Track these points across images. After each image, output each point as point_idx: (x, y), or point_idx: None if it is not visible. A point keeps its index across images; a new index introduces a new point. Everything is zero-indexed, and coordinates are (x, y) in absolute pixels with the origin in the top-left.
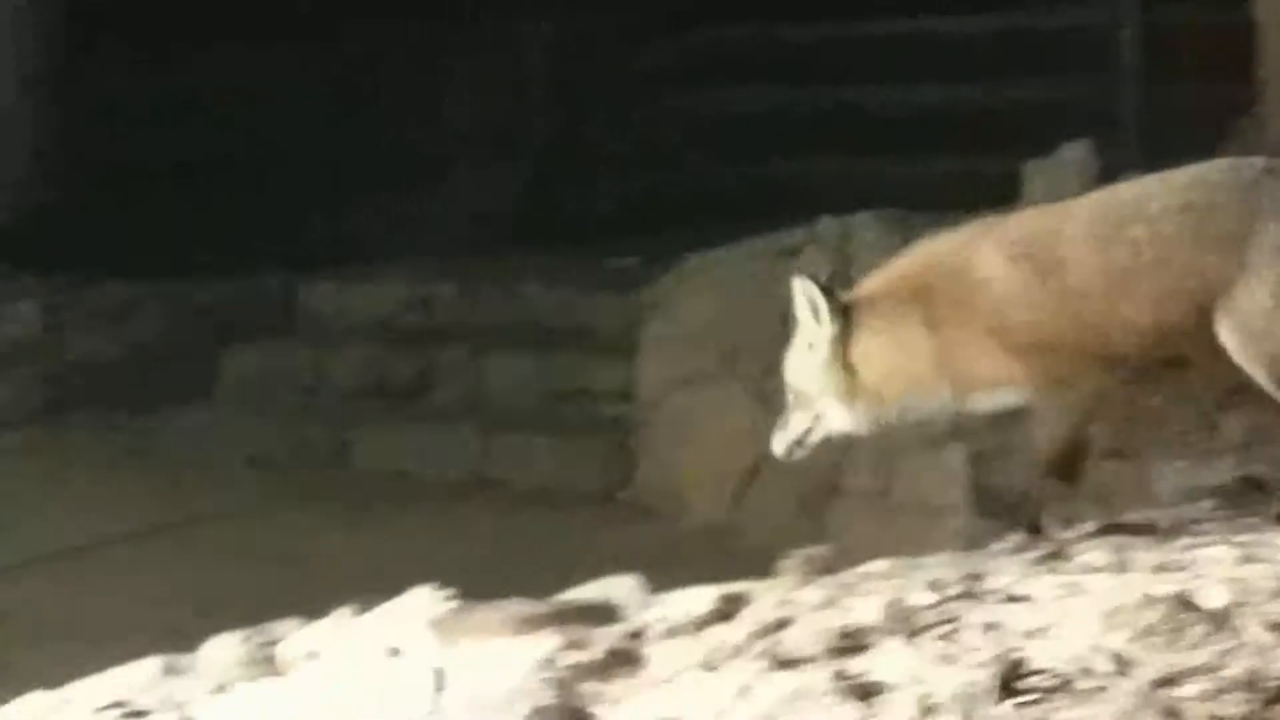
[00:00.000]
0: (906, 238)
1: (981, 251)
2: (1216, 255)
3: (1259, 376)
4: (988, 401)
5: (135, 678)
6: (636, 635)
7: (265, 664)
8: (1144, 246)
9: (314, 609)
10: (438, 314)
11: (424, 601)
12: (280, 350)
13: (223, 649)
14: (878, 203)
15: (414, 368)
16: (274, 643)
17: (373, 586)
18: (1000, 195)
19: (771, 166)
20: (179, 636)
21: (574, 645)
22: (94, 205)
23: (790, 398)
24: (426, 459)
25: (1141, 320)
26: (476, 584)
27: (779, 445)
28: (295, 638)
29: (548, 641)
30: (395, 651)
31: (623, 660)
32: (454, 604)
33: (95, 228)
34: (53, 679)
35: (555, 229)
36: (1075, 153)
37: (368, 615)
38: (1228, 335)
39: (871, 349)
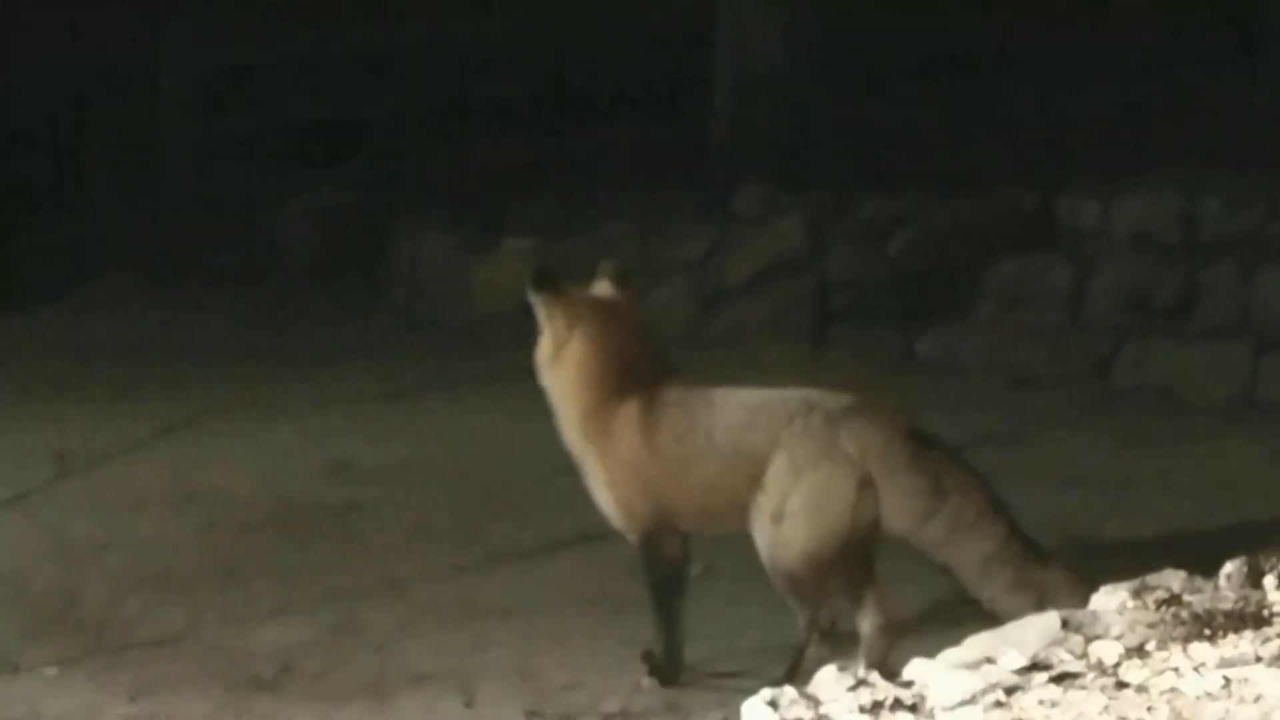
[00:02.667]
0: None
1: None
2: (752, 468)
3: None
4: None
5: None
6: None
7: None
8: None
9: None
10: (1203, 228)
11: None
12: (1041, 265)
13: (1113, 599)
14: None
15: (1178, 284)
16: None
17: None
18: None
19: None
20: None
21: None
22: (851, 120)
23: None
24: (1192, 378)
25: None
26: (1267, 506)
27: None
28: None
29: None
30: None
31: None
32: None
33: (854, 143)
34: None
35: None
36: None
37: None
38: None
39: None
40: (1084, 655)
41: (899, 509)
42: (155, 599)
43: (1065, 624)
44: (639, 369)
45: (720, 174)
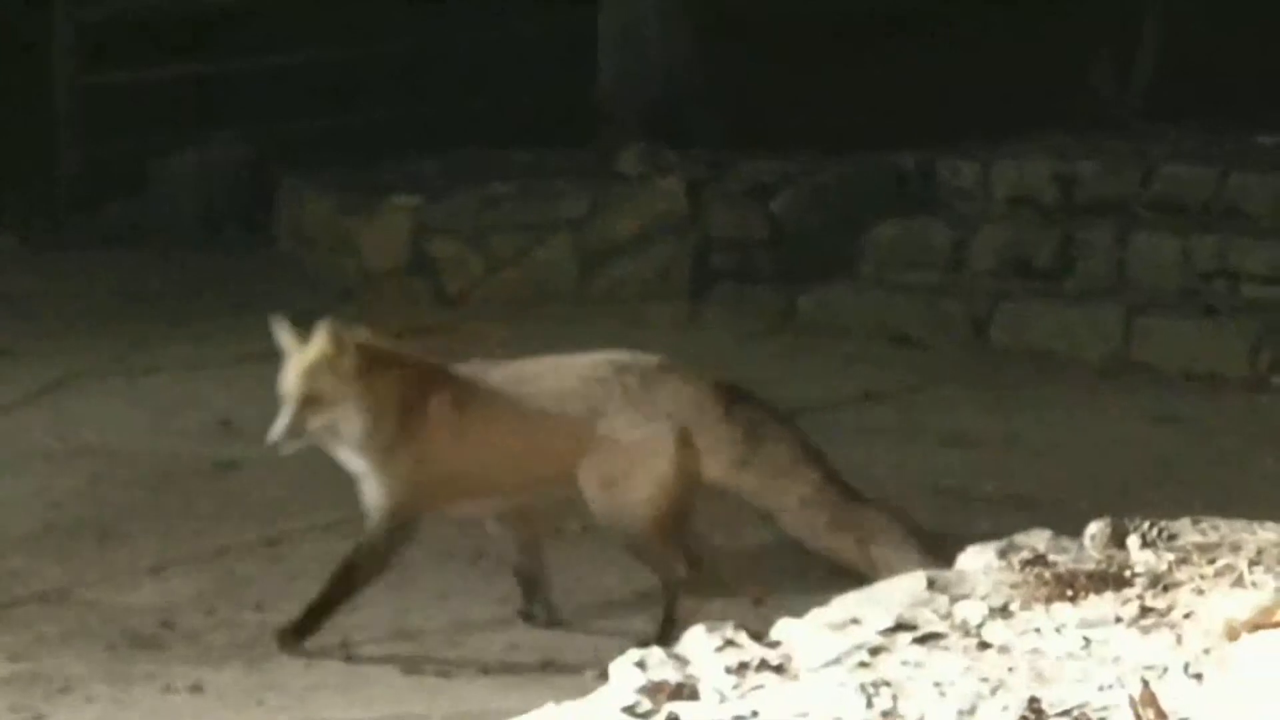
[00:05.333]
0: None
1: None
2: (573, 434)
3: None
4: None
5: (898, 594)
6: None
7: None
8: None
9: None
10: (1079, 191)
11: None
12: (920, 226)
13: (980, 559)
14: None
15: (1055, 245)
16: (1035, 560)
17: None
18: None
19: None
20: None
21: None
22: (735, 81)
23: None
24: (1068, 338)
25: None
26: (1139, 466)
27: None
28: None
29: None
30: None
31: None
32: None
33: (737, 105)
34: None
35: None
36: None
37: None
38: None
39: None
40: (948, 615)
41: (716, 459)
42: (36, 557)
43: (931, 584)
44: (425, 384)
45: (603, 135)
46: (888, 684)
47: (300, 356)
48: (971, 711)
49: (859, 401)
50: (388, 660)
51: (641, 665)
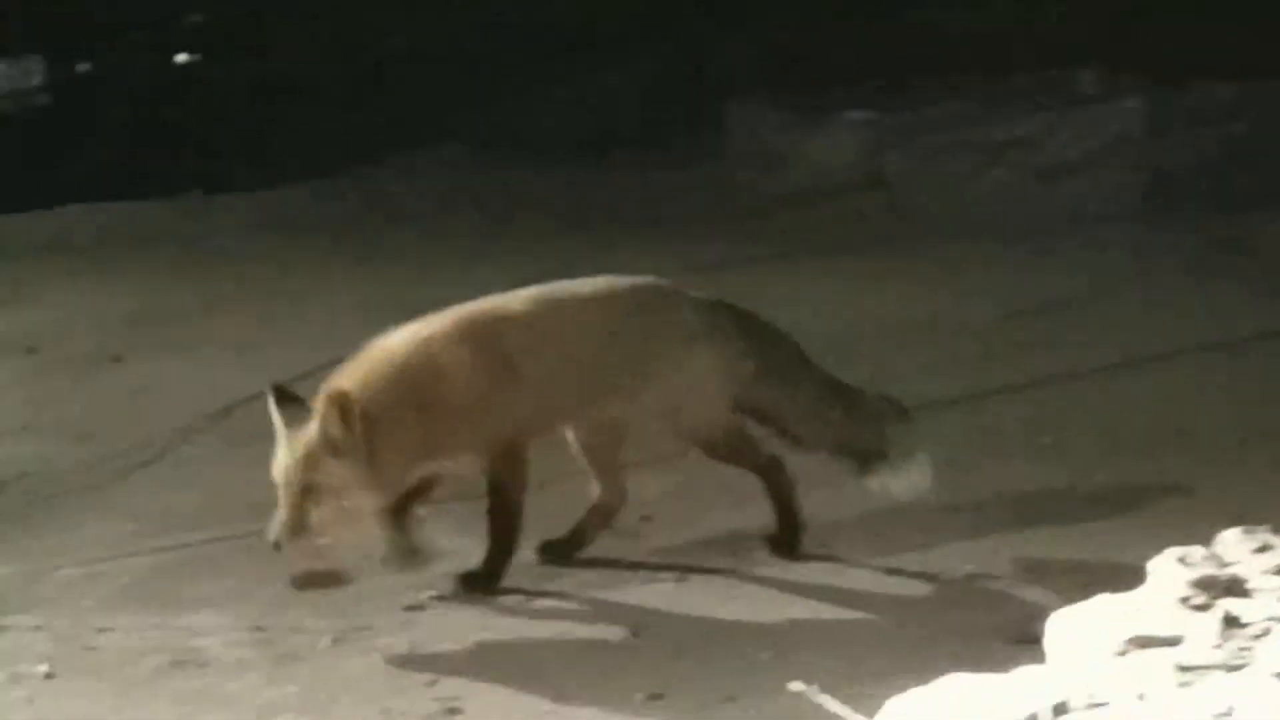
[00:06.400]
0: None
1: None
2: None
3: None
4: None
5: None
6: None
7: None
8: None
9: None
10: None
11: None
12: None
13: None
14: None
15: None
16: None
17: None
18: None
19: None
20: None
21: None
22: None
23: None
24: None
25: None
26: None
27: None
28: None
29: None
30: None
31: None
32: None
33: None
34: None
35: None
36: None
37: None
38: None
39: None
40: None
41: (738, 373)
42: None
43: None
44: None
45: (1056, 57)
46: None
47: (295, 440)
48: None
49: None
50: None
51: (1183, 561)
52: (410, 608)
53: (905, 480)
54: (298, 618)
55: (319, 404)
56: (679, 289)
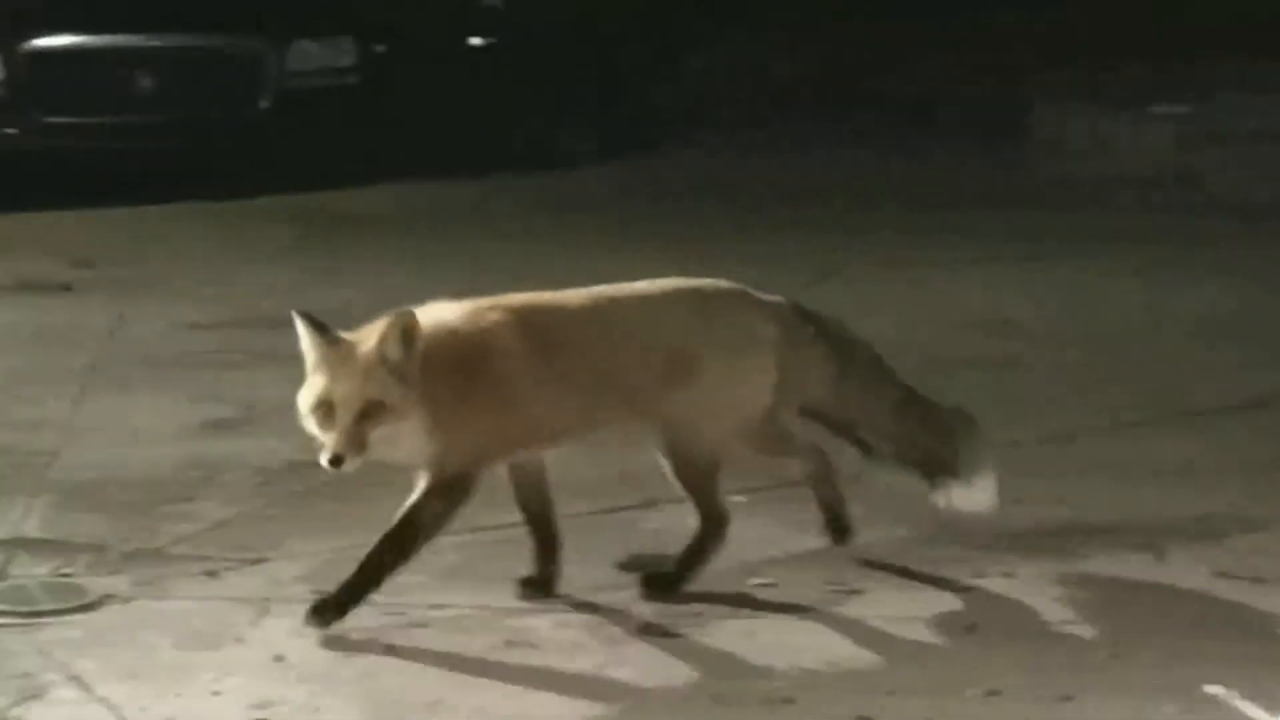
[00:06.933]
0: None
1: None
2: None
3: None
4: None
5: None
6: None
7: None
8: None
9: None
10: None
11: None
12: None
13: None
14: None
15: None
16: None
17: None
18: None
19: None
20: None
21: None
22: None
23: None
24: None
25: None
26: None
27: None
28: None
29: None
30: None
31: None
32: None
33: None
34: None
35: None
36: None
37: None
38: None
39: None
40: None
41: (817, 377)
42: None
43: None
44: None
45: None
46: None
47: (343, 360)
48: None
49: None
50: (1194, 560)
51: None
52: (741, 595)
53: (970, 497)
54: (627, 600)
55: (382, 325)
56: (748, 290)
